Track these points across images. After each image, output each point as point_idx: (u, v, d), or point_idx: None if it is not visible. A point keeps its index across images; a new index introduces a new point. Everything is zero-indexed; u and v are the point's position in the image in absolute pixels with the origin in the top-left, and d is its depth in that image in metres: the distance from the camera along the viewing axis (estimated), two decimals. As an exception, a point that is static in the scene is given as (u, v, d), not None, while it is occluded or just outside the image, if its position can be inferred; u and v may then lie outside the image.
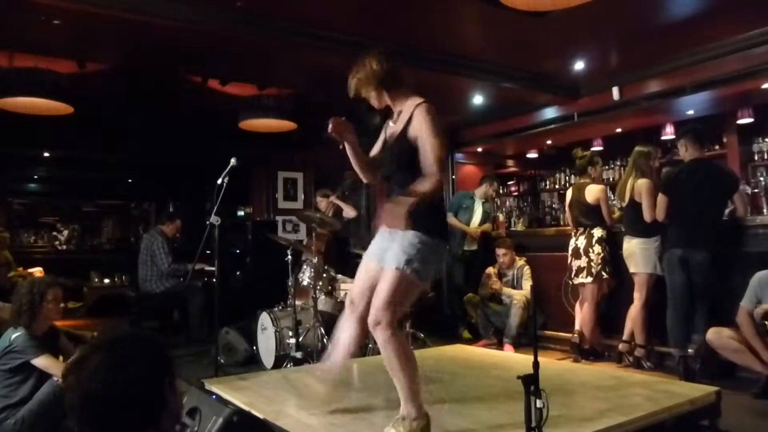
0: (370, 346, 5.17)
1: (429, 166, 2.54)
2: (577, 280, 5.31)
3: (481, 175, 8.07)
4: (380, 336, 2.52)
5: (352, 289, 2.89)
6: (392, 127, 2.82)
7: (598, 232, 5.20)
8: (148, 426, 1.30)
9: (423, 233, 2.55)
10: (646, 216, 4.75)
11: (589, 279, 5.19)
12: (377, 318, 2.52)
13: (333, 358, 2.93)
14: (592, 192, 5.26)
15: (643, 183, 4.82)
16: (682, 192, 4.55)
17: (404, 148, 2.66)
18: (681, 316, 4.46)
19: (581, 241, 5.26)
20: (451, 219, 6.54)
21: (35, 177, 10.66)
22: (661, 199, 4.65)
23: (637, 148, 5.02)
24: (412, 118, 2.65)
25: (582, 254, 5.23)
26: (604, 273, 5.13)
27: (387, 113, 2.91)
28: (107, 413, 1.26)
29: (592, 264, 5.16)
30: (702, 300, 4.45)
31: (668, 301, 4.57)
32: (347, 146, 2.77)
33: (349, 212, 6.33)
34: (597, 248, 5.17)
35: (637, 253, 4.84)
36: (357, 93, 2.83)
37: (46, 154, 8.51)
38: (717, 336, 4.02)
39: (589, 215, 5.27)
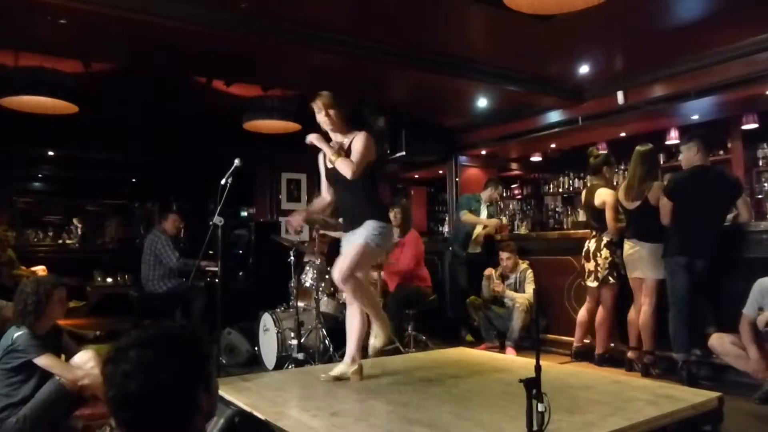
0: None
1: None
2: (587, 283, 5.29)
3: (484, 177, 8.07)
4: (348, 288, 3.52)
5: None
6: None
7: (607, 236, 5.13)
8: (180, 424, 1.31)
9: (376, 220, 3.52)
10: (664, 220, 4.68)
11: (595, 283, 5.17)
12: (341, 277, 3.46)
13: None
14: (601, 196, 5.16)
15: (660, 186, 4.73)
16: (687, 198, 4.50)
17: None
18: (684, 322, 4.44)
19: (592, 244, 5.20)
20: (468, 216, 6.64)
21: (39, 176, 10.70)
22: (666, 204, 4.60)
23: (639, 148, 4.89)
24: (353, 142, 3.55)
25: (591, 257, 5.19)
26: (611, 278, 5.06)
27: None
28: (139, 410, 1.28)
29: (599, 268, 5.11)
30: (705, 305, 4.44)
31: (671, 306, 4.55)
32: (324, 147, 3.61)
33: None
34: (605, 252, 5.10)
35: (647, 258, 4.73)
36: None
37: (51, 153, 8.53)
38: (719, 342, 4.01)
39: (597, 219, 5.21)
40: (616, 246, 5.09)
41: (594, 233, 5.24)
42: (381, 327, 3.73)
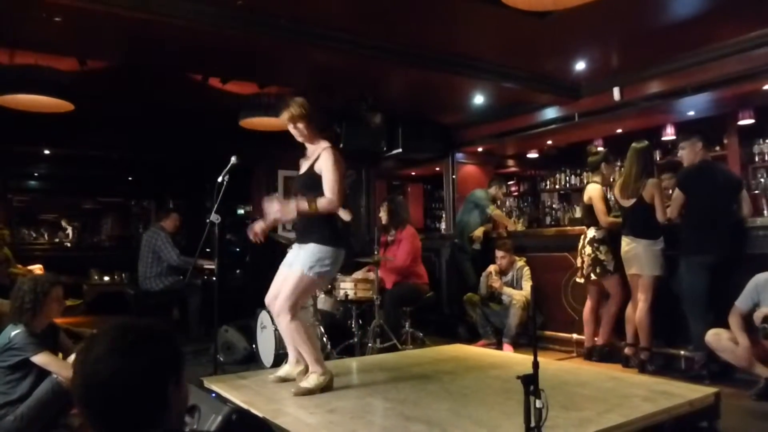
0: (370, 345, 5.18)
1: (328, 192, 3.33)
2: (577, 279, 5.35)
3: (481, 174, 8.08)
4: (283, 322, 3.35)
5: (270, 290, 3.57)
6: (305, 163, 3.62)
7: (591, 233, 5.19)
8: (149, 420, 1.29)
9: (322, 244, 3.35)
10: (660, 216, 4.68)
11: (581, 280, 5.23)
12: (280, 308, 3.32)
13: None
14: (588, 192, 5.26)
15: (655, 183, 4.76)
16: (700, 193, 4.50)
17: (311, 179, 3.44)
18: (705, 321, 4.36)
19: (581, 241, 5.27)
20: (498, 211, 6.76)
21: (35, 174, 10.66)
22: (679, 197, 4.58)
23: (635, 145, 4.92)
24: (319, 157, 3.43)
25: (579, 254, 5.27)
26: (593, 275, 5.11)
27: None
28: (107, 400, 1.26)
29: (584, 265, 5.18)
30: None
31: (690, 306, 4.50)
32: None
33: (344, 215, 6.32)
34: (588, 249, 5.16)
35: (643, 255, 4.74)
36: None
37: (47, 152, 8.50)
38: (716, 338, 4.02)
39: (586, 214, 5.28)
40: (600, 242, 5.12)
41: (586, 229, 5.30)
42: (316, 370, 3.35)
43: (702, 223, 4.49)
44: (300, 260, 3.38)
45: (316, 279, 3.39)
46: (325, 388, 3.32)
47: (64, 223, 11.12)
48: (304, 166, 3.63)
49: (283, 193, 8.67)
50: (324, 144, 3.51)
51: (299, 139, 3.59)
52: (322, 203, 3.32)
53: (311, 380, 3.31)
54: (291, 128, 3.54)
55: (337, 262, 3.45)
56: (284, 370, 3.60)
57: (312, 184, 3.43)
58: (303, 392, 3.25)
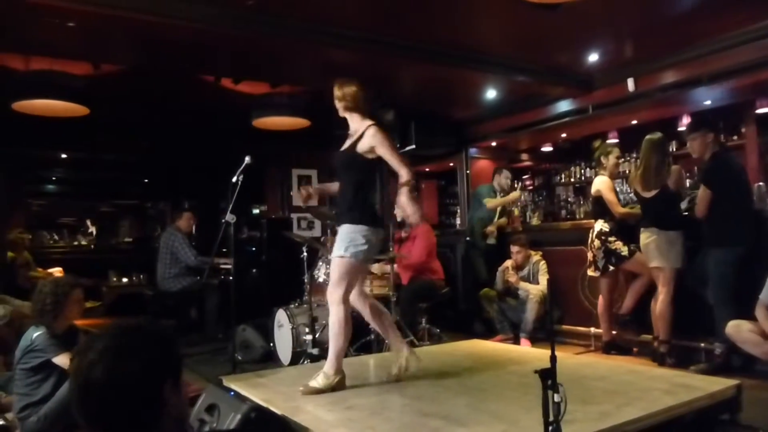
0: (387, 342, 5.18)
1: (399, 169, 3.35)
2: (588, 273, 5.35)
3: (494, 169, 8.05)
4: (333, 305, 3.34)
5: None
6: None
7: (598, 226, 5.16)
8: (144, 422, 1.28)
9: (354, 224, 3.33)
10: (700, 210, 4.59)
11: (597, 273, 5.21)
12: (331, 298, 3.35)
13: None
14: (595, 185, 5.25)
15: (678, 170, 4.71)
16: (726, 186, 4.42)
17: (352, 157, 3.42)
18: (734, 312, 4.24)
19: (590, 235, 5.26)
20: (493, 201, 6.73)
21: (53, 178, 10.79)
22: (706, 195, 4.45)
23: (650, 137, 4.86)
24: (363, 135, 3.39)
25: (589, 248, 5.26)
26: (610, 266, 5.09)
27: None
28: (102, 402, 1.25)
29: (597, 259, 5.15)
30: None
31: (720, 299, 4.40)
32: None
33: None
34: (597, 242, 5.14)
35: (665, 246, 4.68)
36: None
37: (63, 156, 8.60)
38: (736, 330, 3.96)
39: (593, 208, 5.28)
40: (608, 234, 5.09)
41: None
42: (328, 370, 3.32)
43: (730, 215, 4.41)
44: (336, 245, 3.38)
45: (354, 260, 3.31)
46: (336, 388, 3.29)
47: (88, 223, 11.27)
48: (346, 143, 3.54)
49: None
50: (368, 121, 3.44)
51: (343, 113, 3.53)
52: (405, 182, 3.35)
53: (320, 380, 3.27)
54: (338, 102, 3.51)
55: (372, 241, 3.37)
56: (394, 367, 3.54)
57: (352, 162, 3.41)
58: (311, 392, 3.23)
